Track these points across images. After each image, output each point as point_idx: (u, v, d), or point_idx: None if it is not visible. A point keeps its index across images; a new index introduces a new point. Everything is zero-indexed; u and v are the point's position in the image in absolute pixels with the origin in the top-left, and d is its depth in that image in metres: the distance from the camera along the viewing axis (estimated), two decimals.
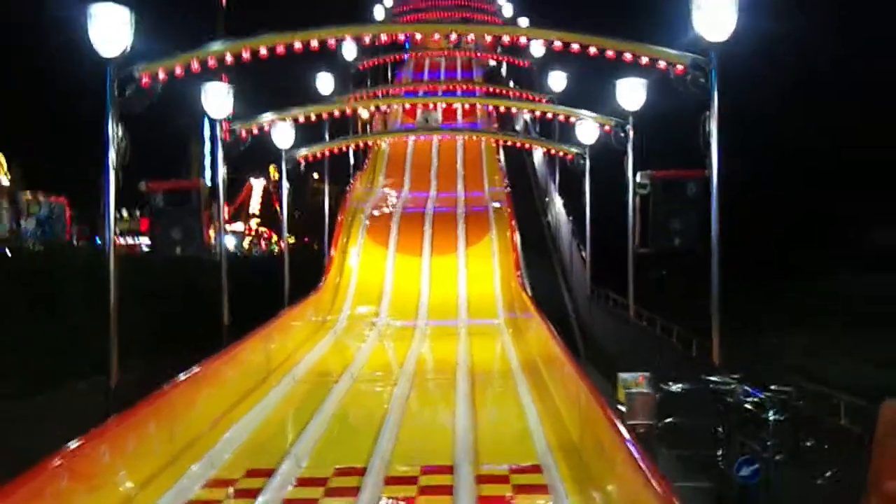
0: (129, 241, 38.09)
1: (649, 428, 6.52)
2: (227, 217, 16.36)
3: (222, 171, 12.15)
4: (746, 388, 6.43)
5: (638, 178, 10.68)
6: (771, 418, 6.03)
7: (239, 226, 50.95)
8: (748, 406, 6.37)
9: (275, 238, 46.84)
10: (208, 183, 16.49)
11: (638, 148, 12.58)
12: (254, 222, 53.24)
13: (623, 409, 6.63)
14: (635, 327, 11.88)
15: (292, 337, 11.79)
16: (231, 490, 6.01)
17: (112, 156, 8.03)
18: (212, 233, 11.59)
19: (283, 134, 14.12)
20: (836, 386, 6.89)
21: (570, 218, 19.19)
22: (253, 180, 54.40)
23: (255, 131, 12.51)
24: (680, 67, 8.85)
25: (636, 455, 4.67)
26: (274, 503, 5.68)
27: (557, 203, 21.10)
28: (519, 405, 8.54)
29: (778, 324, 15.61)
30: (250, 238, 51.28)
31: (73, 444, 5.09)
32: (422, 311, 14.67)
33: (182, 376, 7.20)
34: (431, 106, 23.23)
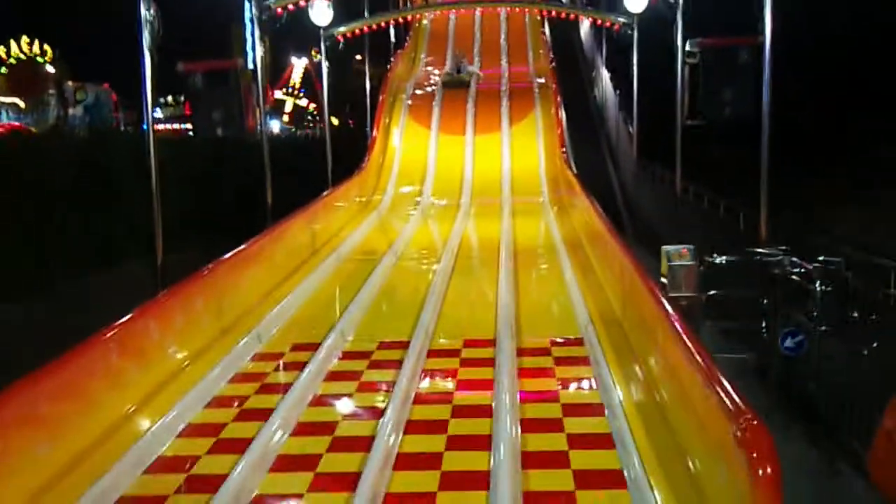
0: (175, 126, 38.27)
1: (692, 300, 6.47)
2: (270, 98, 16.21)
3: (260, 50, 11.97)
4: (794, 259, 6.31)
5: (687, 47, 10.25)
6: (818, 289, 5.92)
7: (287, 105, 51.04)
8: (795, 277, 6.26)
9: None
10: (250, 65, 16.35)
11: (689, 16, 12.03)
12: (290, 102, 53.21)
13: (666, 282, 6.57)
14: (682, 202, 11.68)
15: (337, 216, 11.86)
16: (280, 363, 6.17)
17: (146, 37, 7.93)
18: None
19: (320, 11, 13.80)
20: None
21: (618, 92, 18.69)
22: (295, 60, 54.12)
23: (291, 7, 12.22)
24: None
25: (678, 327, 4.63)
26: (319, 374, 5.81)
27: (604, 77, 20.52)
28: (561, 280, 8.54)
29: (834, 197, 15.18)
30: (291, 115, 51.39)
31: (123, 319, 5.23)
32: (465, 189, 14.59)
33: (228, 255, 7.32)
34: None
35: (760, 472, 3.06)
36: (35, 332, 9.79)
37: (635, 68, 15.23)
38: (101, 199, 14.26)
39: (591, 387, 5.51)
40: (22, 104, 40.20)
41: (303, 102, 54.13)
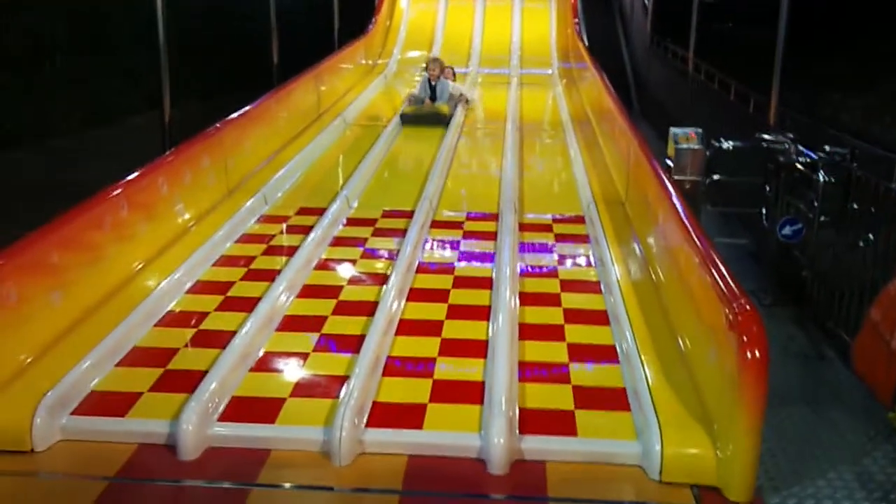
0: None
1: (695, 184, 6.51)
2: None
3: None
4: (800, 147, 6.31)
5: None
6: (821, 180, 5.96)
7: None
8: (799, 166, 6.28)
9: None
10: None
11: None
12: None
13: (671, 164, 6.59)
14: (693, 81, 11.52)
15: (342, 79, 11.71)
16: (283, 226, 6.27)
17: None
18: None
19: None
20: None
21: None
22: None
23: None
24: None
25: (679, 210, 4.70)
26: (325, 239, 5.92)
27: None
28: (567, 157, 8.55)
29: (846, 84, 14.93)
30: None
31: (131, 176, 5.28)
32: (473, 57, 14.33)
33: (235, 114, 7.29)
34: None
35: (749, 355, 3.20)
36: (35, 183, 9.87)
37: None
38: (99, 51, 14.03)
39: (589, 264, 5.64)
40: None
41: None
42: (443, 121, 9.43)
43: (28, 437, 3.48)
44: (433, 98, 10.00)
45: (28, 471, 3.38)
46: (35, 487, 3.30)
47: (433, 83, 9.99)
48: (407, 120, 9.58)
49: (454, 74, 10.95)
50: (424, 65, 9.93)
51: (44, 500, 3.20)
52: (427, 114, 9.62)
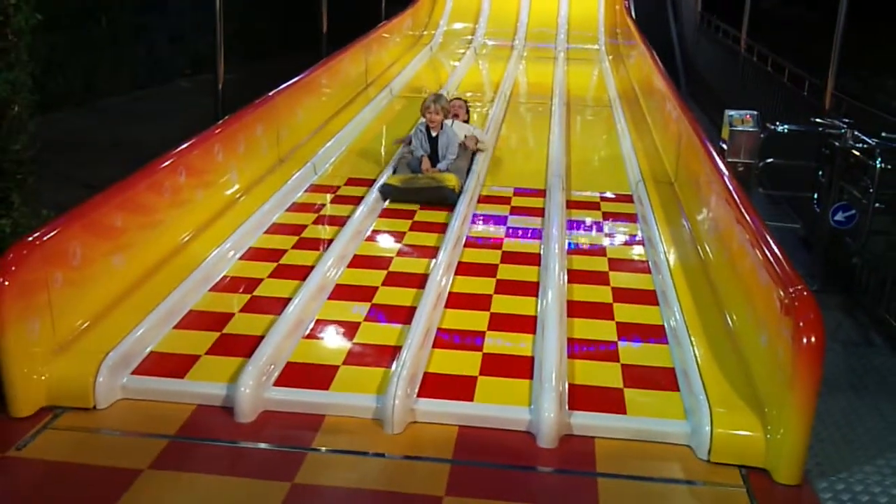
0: None
1: (748, 166, 6.45)
2: None
3: None
4: (857, 133, 6.21)
5: None
6: (877, 166, 5.87)
7: None
8: (856, 152, 6.19)
9: None
10: None
11: None
12: None
13: (725, 146, 6.53)
14: (744, 62, 11.34)
15: (389, 50, 11.70)
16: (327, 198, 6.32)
17: None
18: None
19: None
20: None
21: None
22: None
23: None
24: None
25: (734, 192, 4.67)
26: (374, 211, 5.97)
27: None
28: (614, 135, 8.50)
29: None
30: None
31: (187, 144, 5.35)
32: (520, 31, 14.23)
33: (286, 84, 7.33)
34: None
35: (805, 340, 3.20)
36: (91, 143, 10.03)
37: None
38: (146, 12, 14.15)
39: (637, 243, 5.63)
40: None
41: None
42: (447, 198, 6.10)
43: (91, 395, 3.59)
44: (434, 157, 6.63)
45: (91, 427, 3.49)
46: (98, 443, 3.41)
47: (434, 134, 6.69)
48: (392, 194, 6.23)
49: (468, 111, 7.83)
50: (422, 105, 6.77)
51: (106, 456, 3.30)
52: (423, 188, 6.18)
